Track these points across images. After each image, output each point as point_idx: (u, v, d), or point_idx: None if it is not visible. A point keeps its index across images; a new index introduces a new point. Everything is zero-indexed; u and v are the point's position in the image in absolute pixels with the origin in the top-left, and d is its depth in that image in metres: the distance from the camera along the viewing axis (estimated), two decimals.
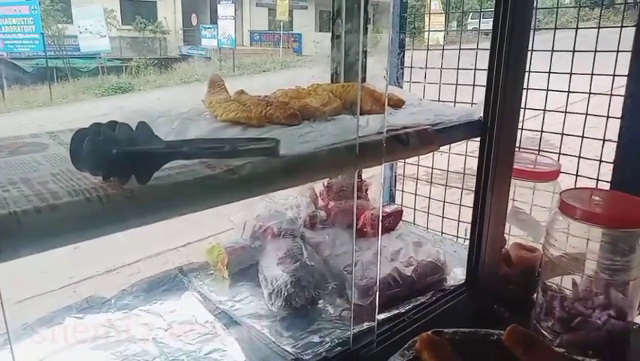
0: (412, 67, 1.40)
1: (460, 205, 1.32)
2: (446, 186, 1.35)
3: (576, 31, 1.13)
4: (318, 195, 1.15)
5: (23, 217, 0.44)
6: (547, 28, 1.25)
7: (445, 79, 1.33)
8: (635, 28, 1.01)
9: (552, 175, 1.11)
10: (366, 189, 1.14)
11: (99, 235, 0.47)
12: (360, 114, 0.86)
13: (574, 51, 1.12)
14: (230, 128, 0.78)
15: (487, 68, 0.91)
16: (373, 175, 1.18)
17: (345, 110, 0.83)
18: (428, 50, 1.36)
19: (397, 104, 1.00)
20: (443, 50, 1.33)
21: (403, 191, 1.44)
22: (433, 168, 1.37)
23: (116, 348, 0.78)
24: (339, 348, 0.78)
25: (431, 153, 1.22)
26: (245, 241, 1.03)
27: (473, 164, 1.00)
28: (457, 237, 1.32)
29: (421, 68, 1.37)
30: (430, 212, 1.37)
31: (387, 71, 0.77)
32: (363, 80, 1.09)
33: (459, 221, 1.31)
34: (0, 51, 7.55)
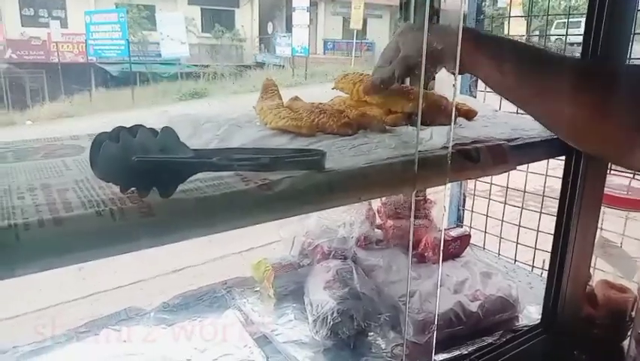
0: None
1: (538, 231, 1.17)
2: (522, 207, 1.21)
3: None
4: (375, 212, 1.05)
5: (23, 231, 0.39)
6: None
7: None
8: None
9: None
10: (431, 209, 1.03)
11: (107, 255, 0.41)
12: (424, 125, 0.77)
13: None
14: (278, 136, 0.71)
15: None
16: (437, 193, 1.07)
17: (407, 119, 0.74)
18: None
19: (468, 115, 0.89)
20: None
21: (472, 211, 1.31)
22: (507, 188, 1.23)
23: None
24: None
25: None
26: (293, 258, 0.96)
27: (554, 183, 0.87)
28: (533, 267, 1.17)
29: None
30: (503, 237, 1.23)
31: (456, 77, 0.67)
32: (430, 87, 0.99)
33: (535, 249, 1.16)
34: (90, 56, 8.12)
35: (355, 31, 11.88)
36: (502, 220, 1.23)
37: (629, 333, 0.96)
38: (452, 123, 0.68)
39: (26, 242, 0.38)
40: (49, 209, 0.42)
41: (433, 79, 1.09)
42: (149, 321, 0.84)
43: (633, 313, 0.93)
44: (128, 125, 0.46)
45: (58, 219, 0.40)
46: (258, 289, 0.95)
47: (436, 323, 0.74)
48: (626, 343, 0.96)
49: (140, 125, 0.46)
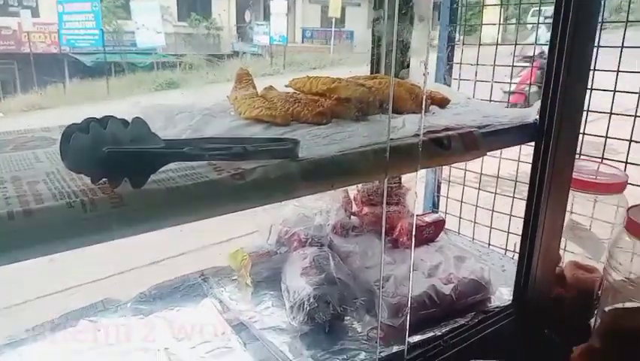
0: (461, 63, 1.29)
1: (511, 215, 1.20)
2: (495, 193, 1.23)
3: None
4: (351, 199, 1.07)
5: None
6: (616, 22, 1.11)
7: (499, 77, 1.22)
8: None
9: (617, 187, 0.98)
10: (405, 196, 1.05)
11: (78, 246, 0.42)
12: (398, 113, 0.78)
13: None
14: (252, 126, 0.71)
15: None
16: (412, 180, 1.08)
17: (380, 108, 0.75)
18: (480, 45, 1.25)
19: (441, 102, 0.90)
20: (497, 45, 1.21)
21: (447, 197, 1.34)
22: (481, 174, 1.25)
23: (126, 356, 0.74)
24: None
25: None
26: (270, 247, 0.96)
27: (528, 168, 0.89)
28: (506, 250, 1.20)
29: (472, 64, 1.26)
30: (477, 221, 1.26)
31: (426, 65, 0.68)
32: (401, 76, 1.00)
33: (509, 233, 1.19)
34: (63, 46, 7.91)
35: (334, 20, 11.82)
36: (477, 206, 1.26)
37: (595, 311, 0.99)
38: (423, 111, 0.69)
39: None
40: (19, 201, 0.42)
41: (408, 67, 1.11)
42: (126, 312, 0.84)
43: (600, 293, 0.97)
44: (101, 117, 0.46)
45: (28, 210, 0.40)
46: (235, 277, 0.96)
47: (409, 305, 0.76)
48: (592, 321, 1.00)
49: (111, 117, 0.46)
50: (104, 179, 0.45)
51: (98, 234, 0.42)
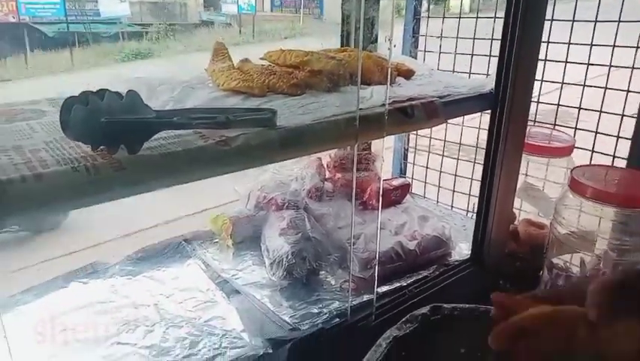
0: (426, 35, 1.35)
1: (472, 179, 1.29)
2: (458, 159, 1.32)
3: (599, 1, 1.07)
4: (325, 166, 1.13)
5: (9, 186, 0.44)
6: None
7: (464, 49, 1.28)
8: None
9: (565, 151, 1.08)
10: (374, 162, 1.12)
11: (85, 205, 0.47)
12: (367, 84, 0.84)
13: (596, 21, 1.06)
14: (230, 97, 0.77)
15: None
16: (384, 149, 1.15)
17: (349, 79, 0.81)
18: (444, 17, 1.31)
19: (406, 74, 0.96)
20: (460, 17, 1.28)
21: (414, 164, 1.42)
22: (445, 141, 1.34)
23: (118, 313, 0.80)
24: (337, 320, 0.79)
25: (444, 126, 1.21)
26: (249, 211, 1.03)
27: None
28: (468, 211, 1.29)
29: (437, 37, 1.32)
30: (442, 186, 1.35)
31: (391, 40, 0.74)
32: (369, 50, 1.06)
33: (470, 195, 1.29)
34: (22, 15, 7.59)
35: None
36: (441, 171, 1.34)
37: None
38: (388, 83, 0.75)
39: (12, 195, 0.44)
40: (27, 167, 0.47)
41: (375, 41, 1.16)
42: (115, 273, 0.90)
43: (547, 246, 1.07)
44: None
45: (38, 174, 0.46)
46: (217, 240, 1.02)
47: (377, 260, 0.84)
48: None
49: (107, 90, 0.51)
50: (102, 146, 0.51)
51: (101, 194, 0.48)
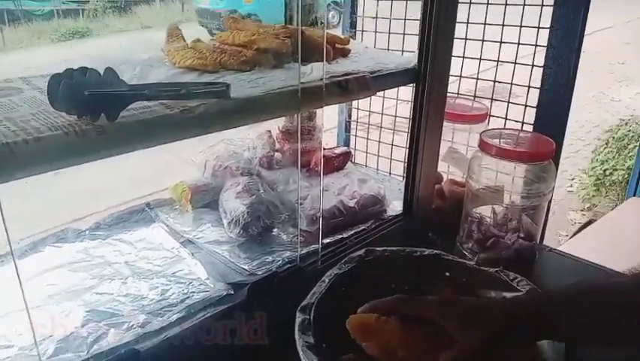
0: (364, 16, 1.48)
1: (406, 148, 1.44)
2: (394, 130, 1.47)
3: None
4: (275, 138, 1.25)
5: (15, 147, 0.53)
6: None
7: (399, 29, 1.42)
8: None
9: (481, 118, 1.25)
10: (318, 133, 1.25)
11: (78, 163, 0.57)
12: (308, 61, 0.96)
13: (505, 5, 1.23)
14: (187, 74, 0.86)
15: None
16: (328, 121, 1.28)
17: (292, 57, 0.92)
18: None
19: (343, 52, 1.09)
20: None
21: (356, 136, 1.56)
22: (382, 114, 1.48)
23: (93, 270, 0.89)
24: (288, 265, 0.92)
25: (381, 100, 1.35)
26: (206, 179, 1.13)
27: None
28: (403, 177, 1.45)
29: (373, 17, 1.46)
30: (381, 155, 1.50)
31: (326, 20, 0.86)
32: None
33: (404, 162, 1.44)
34: None
35: None
36: (379, 141, 1.49)
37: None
38: (324, 59, 0.88)
39: (18, 155, 0.53)
40: (24, 133, 0.57)
41: (315, 23, 1.28)
42: (86, 238, 0.99)
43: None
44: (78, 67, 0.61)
45: (38, 138, 0.55)
46: (177, 207, 1.12)
47: (321, 215, 0.98)
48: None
49: (88, 68, 0.60)
50: (86, 115, 0.60)
51: (89, 155, 0.58)
